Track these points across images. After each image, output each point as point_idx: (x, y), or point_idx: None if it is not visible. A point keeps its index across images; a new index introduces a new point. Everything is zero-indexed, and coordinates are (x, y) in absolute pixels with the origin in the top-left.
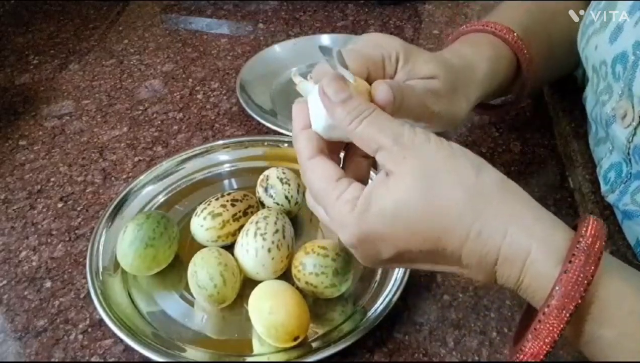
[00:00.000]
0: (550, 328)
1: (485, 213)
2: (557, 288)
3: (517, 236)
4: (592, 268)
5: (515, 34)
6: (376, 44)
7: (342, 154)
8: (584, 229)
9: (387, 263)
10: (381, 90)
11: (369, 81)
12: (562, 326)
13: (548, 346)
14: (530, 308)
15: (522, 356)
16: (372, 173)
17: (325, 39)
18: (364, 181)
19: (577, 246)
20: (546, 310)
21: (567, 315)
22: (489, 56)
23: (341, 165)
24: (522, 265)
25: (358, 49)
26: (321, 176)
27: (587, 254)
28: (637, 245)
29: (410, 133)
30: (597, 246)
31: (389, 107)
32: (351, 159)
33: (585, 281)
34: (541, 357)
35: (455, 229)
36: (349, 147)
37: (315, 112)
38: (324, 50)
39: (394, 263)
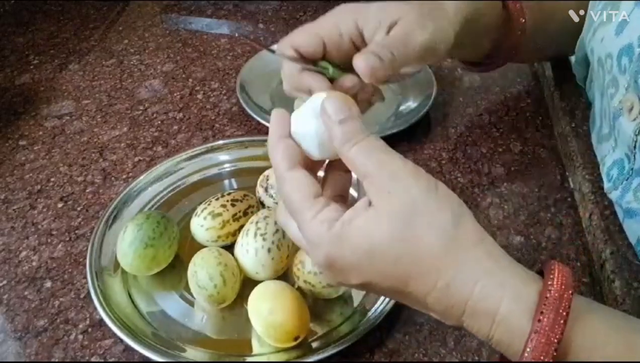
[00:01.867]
0: None
1: (456, 267)
2: (528, 348)
3: (488, 289)
4: (562, 322)
5: None
6: (330, 28)
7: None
8: (550, 281)
9: (357, 288)
10: (363, 59)
11: (330, 56)
12: None
13: None
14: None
15: None
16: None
17: None
18: (343, 194)
19: (545, 302)
20: None
21: None
22: None
23: (322, 177)
24: (491, 321)
25: (312, 30)
26: (299, 191)
27: (556, 308)
28: (638, 244)
29: (400, 167)
30: (565, 297)
31: (384, 66)
32: (333, 171)
33: (557, 337)
34: None
35: (423, 277)
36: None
37: (309, 126)
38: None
39: (363, 289)
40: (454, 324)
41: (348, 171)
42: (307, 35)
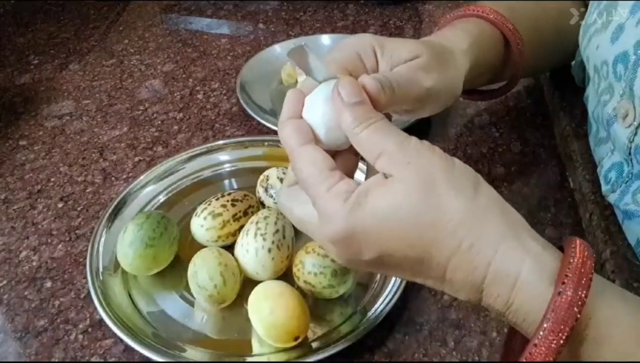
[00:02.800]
0: (546, 352)
1: (479, 228)
2: (551, 311)
3: (509, 254)
4: (585, 290)
5: (496, 12)
6: (348, 45)
7: None
8: (572, 250)
9: (365, 266)
10: (367, 82)
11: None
12: (557, 350)
13: None
14: (512, 336)
15: None
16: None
17: (326, 39)
18: (349, 175)
19: (569, 267)
20: (541, 333)
21: (563, 338)
22: (470, 30)
23: None
24: (513, 284)
25: (333, 57)
26: (314, 164)
27: (579, 275)
28: (638, 245)
29: (417, 142)
30: (587, 267)
31: (381, 97)
32: (340, 154)
33: (580, 303)
34: None
35: (446, 240)
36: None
37: (317, 111)
38: (294, 52)
39: (372, 267)
40: (472, 297)
41: (356, 154)
42: (333, 63)
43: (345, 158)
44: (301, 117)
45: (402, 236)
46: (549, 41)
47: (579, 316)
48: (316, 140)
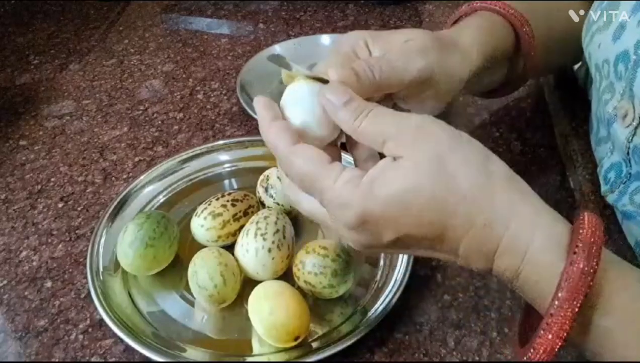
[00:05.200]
0: (563, 320)
1: (491, 203)
2: (565, 280)
3: (521, 227)
4: (595, 259)
5: (509, 5)
6: (342, 45)
7: None
8: (581, 222)
9: (385, 248)
10: (335, 72)
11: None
12: (572, 318)
13: (561, 340)
14: (528, 312)
15: (534, 354)
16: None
17: (326, 39)
18: (373, 154)
19: (579, 237)
20: (556, 303)
21: (577, 306)
22: (479, 23)
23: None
24: (523, 255)
25: (329, 60)
26: (312, 159)
27: (590, 245)
28: (637, 246)
29: (418, 119)
30: (597, 237)
31: (364, 81)
32: (324, 148)
33: (592, 271)
34: (554, 352)
35: (462, 216)
36: None
37: (303, 110)
38: (274, 58)
39: (390, 249)
40: (483, 267)
41: (337, 145)
42: (332, 66)
43: (328, 151)
44: (282, 118)
45: (419, 216)
46: (560, 41)
47: (591, 284)
48: (301, 137)
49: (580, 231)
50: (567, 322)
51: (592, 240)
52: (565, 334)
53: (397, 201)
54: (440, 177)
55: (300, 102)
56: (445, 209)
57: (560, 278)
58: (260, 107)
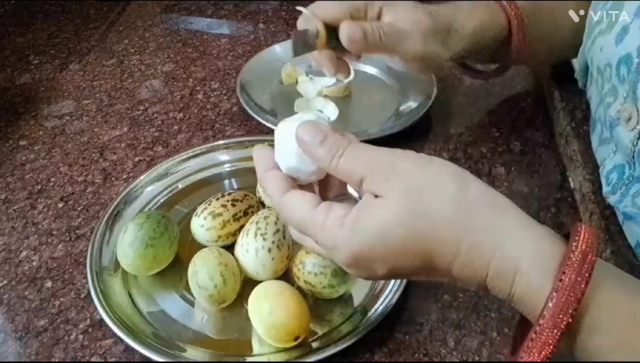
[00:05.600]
0: (543, 344)
1: (473, 227)
2: (548, 305)
3: (507, 251)
4: (583, 284)
5: None
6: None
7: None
8: (575, 242)
9: (384, 278)
10: (341, 30)
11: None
12: (555, 342)
13: (543, 360)
14: (524, 318)
15: None
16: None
17: None
18: (344, 192)
19: (568, 262)
20: (537, 328)
21: (559, 333)
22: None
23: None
24: (512, 279)
25: (342, 7)
26: (299, 208)
27: (578, 270)
28: (638, 246)
29: (388, 155)
30: (588, 260)
31: (359, 42)
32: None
33: (577, 298)
34: None
35: (444, 246)
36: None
37: (285, 153)
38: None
39: (389, 278)
40: (481, 289)
41: None
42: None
43: (333, 180)
44: (275, 166)
45: (404, 249)
46: (565, 34)
47: (574, 312)
48: (296, 178)
49: (571, 254)
50: (549, 346)
51: (583, 263)
52: (546, 356)
53: (379, 238)
54: (416, 210)
55: (284, 146)
56: (426, 240)
57: (544, 303)
58: (254, 158)
